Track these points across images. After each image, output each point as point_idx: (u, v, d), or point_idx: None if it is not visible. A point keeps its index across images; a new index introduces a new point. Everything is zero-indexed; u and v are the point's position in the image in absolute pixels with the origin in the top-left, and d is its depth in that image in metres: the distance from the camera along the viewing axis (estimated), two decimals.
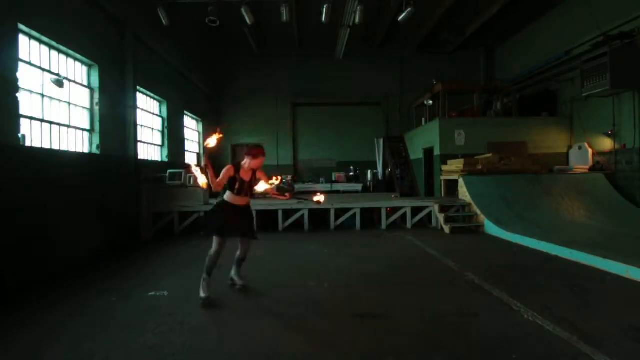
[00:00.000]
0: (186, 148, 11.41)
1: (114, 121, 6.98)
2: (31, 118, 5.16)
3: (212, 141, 3.60)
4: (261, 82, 14.14)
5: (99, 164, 6.46)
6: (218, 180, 3.65)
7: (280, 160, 14.09)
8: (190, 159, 11.98)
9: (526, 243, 6.18)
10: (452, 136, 10.08)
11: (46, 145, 5.47)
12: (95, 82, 6.58)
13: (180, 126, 10.95)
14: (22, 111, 4.83)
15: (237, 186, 3.71)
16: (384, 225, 8.22)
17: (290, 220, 8.16)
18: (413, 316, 3.31)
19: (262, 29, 12.18)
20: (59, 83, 5.60)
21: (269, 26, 11.83)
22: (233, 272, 4.18)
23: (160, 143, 9.71)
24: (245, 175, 3.75)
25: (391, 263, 5.30)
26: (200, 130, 13.04)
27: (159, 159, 9.57)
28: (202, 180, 3.56)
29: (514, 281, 4.27)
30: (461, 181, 8.52)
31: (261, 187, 3.70)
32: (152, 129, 9.32)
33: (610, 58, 7.69)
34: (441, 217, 7.91)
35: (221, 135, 3.69)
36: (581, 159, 9.59)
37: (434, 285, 4.26)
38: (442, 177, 9.87)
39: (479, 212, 7.81)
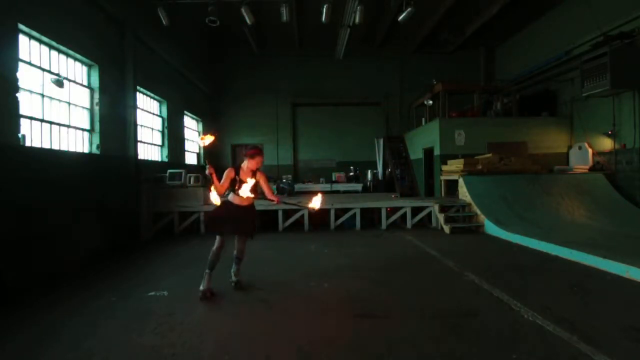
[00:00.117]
0: (186, 148, 11.41)
1: (114, 121, 6.98)
2: (31, 118, 5.17)
3: (207, 140, 3.84)
4: (261, 82, 14.15)
5: (99, 164, 6.46)
6: (221, 183, 3.84)
7: (280, 160, 14.10)
8: (190, 159, 11.97)
9: (526, 243, 6.18)
10: (452, 136, 10.08)
11: (46, 145, 5.47)
12: (95, 82, 6.58)
13: (180, 126, 10.96)
14: (22, 111, 4.83)
15: (237, 187, 3.85)
16: (384, 225, 8.22)
17: (291, 220, 8.16)
18: (413, 316, 3.31)
19: (262, 29, 12.19)
20: (59, 83, 5.60)
21: (269, 26, 11.84)
22: (232, 269, 4.27)
23: (160, 143, 9.71)
24: (245, 176, 3.89)
25: (391, 263, 5.30)
26: (200, 130, 13.04)
27: (159, 159, 9.57)
28: (215, 199, 3.87)
29: (514, 281, 4.27)
30: (461, 181, 8.52)
31: (244, 191, 3.75)
32: (152, 129, 9.32)
33: (610, 58, 7.70)
34: (441, 217, 7.91)
35: (214, 138, 3.91)
36: (581, 159, 9.59)
37: (434, 285, 4.26)
38: (442, 177, 9.87)
39: (479, 212, 7.81)
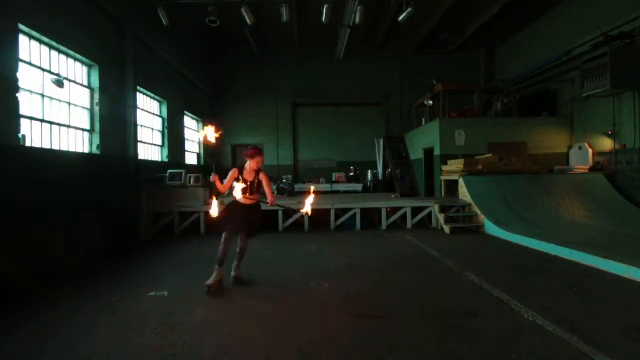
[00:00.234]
0: (186, 148, 11.42)
1: (114, 121, 6.98)
2: (31, 118, 5.16)
3: (210, 135, 3.86)
4: (261, 82, 14.15)
5: (99, 164, 6.46)
6: (224, 183, 4.11)
7: (280, 160, 14.10)
8: (190, 159, 11.97)
9: (526, 243, 6.18)
10: (452, 136, 10.08)
11: (46, 145, 5.47)
12: (95, 82, 6.58)
13: (180, 126, 10.96)
14: (22, 111, 4.83)
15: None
16: (384, 225, 8.21)
17: (291, 220, 8.16)
18: (413, 316, 3.31)
19: (262, 29, 12.19)
20: (59, 83, 5.60)
21: (269, 26, 11.84)
22: (232, 264, 4.35)
23: (160, 143, 9.71)
24: (249, 176, 4.12)
25: (391, 263, 5.30)
26: (201, 130, 13.04)
27: (159, 159, 9.57)
28: (213, 212, 3.88)
29: (514, 281, 4.27)
30: (461, 181, 8.52)
31: (237, 191, 3.90)
32: (152, 129, 9.33)
33: (610, 58, 7.69)
34: (441, 217, 7.91)
35: (218, 134, 3.98)
36: (581, 159, 9.59)
37: (434, 285, 4.26)
38: (442, 177, 9.87)
39: (479, 212, 7.81)
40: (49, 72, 5.56)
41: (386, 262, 5.37)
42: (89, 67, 6.56)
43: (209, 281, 3.98)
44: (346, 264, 5.24)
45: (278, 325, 3.15)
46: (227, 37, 12.56)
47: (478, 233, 7.55)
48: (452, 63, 13.96)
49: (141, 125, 8.42)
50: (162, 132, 9.83)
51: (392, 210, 8.50)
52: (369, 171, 13.42)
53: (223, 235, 4.08)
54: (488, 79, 13.88)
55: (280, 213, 8.05)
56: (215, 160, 13.63)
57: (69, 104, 6.04)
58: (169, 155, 9.86)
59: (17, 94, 4.68)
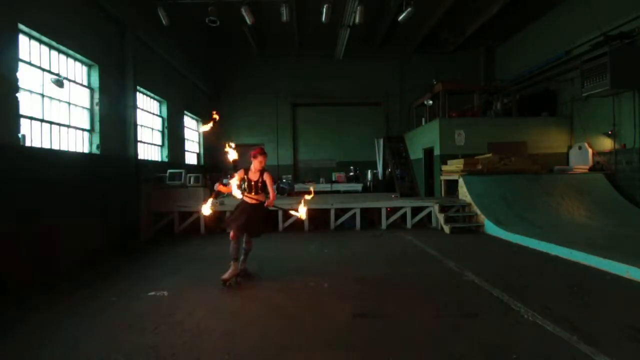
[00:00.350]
0: (186, 148, 11.42)
1: (114, 121, 6.98)
2: (31, 118, 5.17)
3: (232, 153, 4.04)
4: (261, 82, 14.14)
5: (99, 164, 6.46)
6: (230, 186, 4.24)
7: (280, 160, 14.10)
8: (190, 159, 11.98)
9: (526, 243, 6.18)
10: (452, 136, 10.08)
11: (46, 145, 5.47)
12: (95, 82, 6.58)
13: (180, 126, 10.96)
14: (22, 111, 4.83)
15: (245, 186, 4.31)
16: (384, 225, 8.21)
17: (291, 220, 8.15)
18: (413, 316, 3.31)
19: (262, 29, 12.18)
20: (59, 83, 5.60)
21: (269, 26, 11.83)
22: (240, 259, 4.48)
23: (160, 143, 9.71)
24: (253, 176, 4.34)
25: (391, 263, 5.30)
26: (200, 130, 13.04)
27: (159, 159, 9.57)
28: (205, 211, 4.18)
29: (514, 281, 4.27)
30: (461, 181, 8.52)
31: (234, 190, 4.05)
32: (152, 129, 9.33)
33: (610, 58, 7.69)
34: (441, 217, 7.91)
35: (216, 117, 4.27)
36: (581, 159, 9.59)
37: (433, 285, 4.26)
38: (442, 177, 9.87)
39: (479, 212, 7.81)
40: (49, 72, 5.56)
41: (386, 262, 5.37)
42: (89, 67, 6.56)
43: (225, 275, 4.19)
44: (346, 264, 5.24)
45: (278, 325, 3.14)
46: (227, 37, 12.56)
47: (478, 233, 7.55)
48: (452, 63, 13.95)
49: (141, 125, 8.43)
50: (162, 132, 9.83)
51: (392, 210, 8.50)
52: (369, 171, 13.42)
53: (231, 233, 4.27)
54: (488, 79, 13.88)
55: (280, 213, 8.04)
56: (215, 160, 13.66)
57: (69, 104, 6.04)
58: (169, 155, 9.86)
59: (17, 94, 4.68)
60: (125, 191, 7.02)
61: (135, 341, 2.86)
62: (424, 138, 11.43)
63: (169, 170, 8.23)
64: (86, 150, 6.43)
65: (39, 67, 5.36)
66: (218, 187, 4.25)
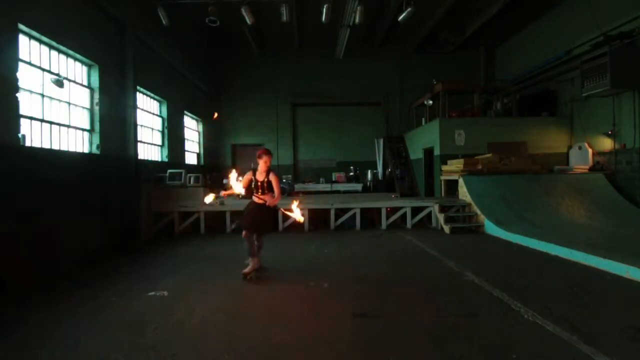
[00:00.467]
0: (186, 148, 11.42)
1: (114, 121, 6.98)
2: (31, 118, 5.17)
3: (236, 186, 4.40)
4: (261, 82, 14.14)
5: (99, 164, 6.46)
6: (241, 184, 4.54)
7: (280, 160, 14.08)
8: (190, 159, 11.98)
9: (526, 243, 6.18)
10: (452, 136, 10.08)
11: (46, 145, 5.47)
12: (95, 82, 6.59)
13: (180, 126, 10.96)
14: (22, 111, 4.83)
15: (253, 186, 4.52)
16: (384, 225, 8.21)
17: (291, 220, 8.14)
18: (413, 316, 3.31)
19: (262, 29, 12.18)
20: (59, 83, 5.60)
21: (269, 26, 11.83)
22: None
23: (160, 143, 9.71)
24: (260, 176, 4.50)
25: (391, 263, 5.31)
26: (200, 130, 13.04)
27: (159, 159, 9.57)
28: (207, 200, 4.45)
29: (514, 281, 4.27)
30: (461, 181, 8.52)
31: (238, 188, 4.35)
32: (152, 129, 9.33)
33: (610, 58, 7.69)
34: (441, 217, 7.91)
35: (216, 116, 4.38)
36: (581, 159, 9.59)
37: (433, 285, 4.26)
38: (442, 177, 9.87)
39: (479, 212, 7.81)
40: (49, 72, 5.56)
41: (386, 262, 5.37)
42: (89, 67, 6.56)
43: (246, 270, 4.44)
44: (346, 264, 5.24)
45: (278, 326, 3.14)
46: (227, 37, 12.56)
47: (478, 233, 7.55)
48: (452, 63, 13.95)
49: (141, 125, 8.43)
50: (162, 132, 9.83)
51: (392, 210, 8.50)
52: (369, 171, 13.42)
53: (243, 232, 4.46)
54: (488, 79, 13.88)
55: (279, 212, 8.03)
56: (215, 160, 13.68)
57: (69, 104, 6.04)
58: (169, 155, 9.86)
59: (17, 94, 4.68)
60: (125, 191, 7.02)
61: (135, 341, 2.86)
62: (424, 138, 11.43)
63: (169, 170, 8.24)
64: (86, 150, 6.43)
65: (39, 67, 5.36)
66: (224, 194, 4.65)
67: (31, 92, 5.19)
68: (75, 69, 6.24)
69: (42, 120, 5.39)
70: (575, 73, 9.50)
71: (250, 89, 14.12)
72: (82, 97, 6.41)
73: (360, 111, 14.48)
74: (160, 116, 9.76)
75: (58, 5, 5.57)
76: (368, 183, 13.26)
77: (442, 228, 7.88)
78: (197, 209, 7.92)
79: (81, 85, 6.36)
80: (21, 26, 4.87)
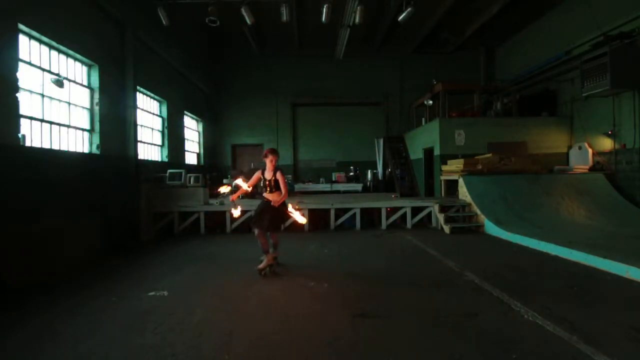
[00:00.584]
0: (186, 148, 11.41)
1: (114, 121, 6.98)
2: (31, 118, 5.17)
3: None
4: (261, 82, 14.15)
5: (99, 164, 6.46)
6: (248, 183, 4.76)
7: (280, 160, 13.76)
8: (190, 159, 11.97)
9: (526, 243, 6.18)
10: (452, 136, 10.08)
11: (46, 145, 5.47)
12: (95, 82, 6.59)
13: (180, 126, 10.96)
14: (22, 111, 4.84)
15: (262, 184, 4.73)
16: (384, 225, 8.21)
17: (291, 220, 8.13)
18: (413, 316, 3.31)
19: (262, 29, 12.19)
20: (59, 83, 5.60)
21: (269, 26, 11.84)
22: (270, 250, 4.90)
23: (160, 143, 9.71)
24: (268, 175, 4.68)
25: (391, 263, 5.31)
26: (200, 130, 13.05)
27: (159, 159, 9.57)
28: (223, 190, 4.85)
29: (514, 281, 4.27)
30: (461, 181, 8.52)
31: (242, 184, 4.62)
32: (152, 129, 9.33)
33: (610, 58, 7.69)
34: (441, 217, 7.91)
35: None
36: (581, 159, 9.59)
37: (433, 285, 4.26)
38: (442, 177, 9.86)
39: (479, 212, 7.81)
40: (49, 72, 5.56)
41: (386, 262, 5.37)
42: (89, 67, 6.56)
43: (260, 265, 4.62)
44: (346, 264, 5.24)
45: (278, 326, 3.14)
46: (227, 37, 12.56)
47: (478, 233, 7.55)
48: (452, 63, 13.96)
49: (141, 125, 8.43)
50: (162, 132, 9.83)
51: (392, 210, 8.50)
52: (369, 171, 13.42)
53: (256, 231, 4.62)
54: (488, 79, 13.88)
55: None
56: (215, 160, 13.69)
57: (69, 104, 6.04)
58: (169, 155, 9.86)
59: (17, 94, 4.68)
60: (125, 191, 7.02)
61: (135, 341, 2.86)
62: (424, 138, 11.43)
63: (169, 170, 8.23)
64: (86, 150, 6.43)
65: (39, 67, 5.36)
66: (233, 198, 4.84)
67: (31, 92, 5.19)
68: (75, 69, 6.24)
69: (42, 120, 5.39)
70: (575, 73, 9.50)
71: (250, 89, 14.13)
72: (82, 97, 6.41)
73: (360, 111, 14.48)
74: (160, 116, 9.76)
75: (58, 5, 5.57)
76: (368, 183, 13.27)
77: (442, 228, 7.88)
78: (197, 209, 7.92)
79: (81, 85, 6.36)
80: (21, 26, 4.87)
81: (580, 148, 9.69)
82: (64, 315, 3.40)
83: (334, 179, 13.32)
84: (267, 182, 4.63)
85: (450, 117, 10.71)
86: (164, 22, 8.57)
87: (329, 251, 6.10)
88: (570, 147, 10.21)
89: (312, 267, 5.09)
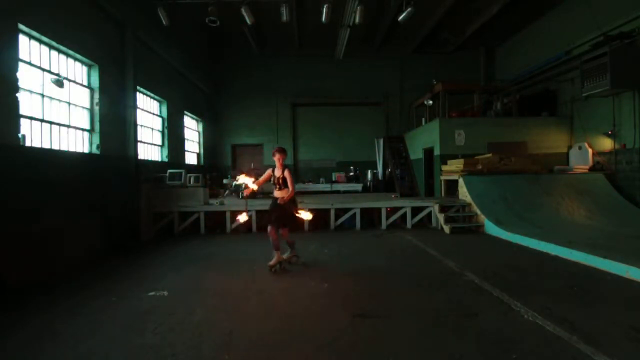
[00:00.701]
0: (186, 148, 11.41)
1: (114, 121, 6.98)
2: (31, 118, 5.17)
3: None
4: (261, 82, 14.15)
5: (99, 164, 6.46)
6: (259, 180, 4.86)
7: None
8: (190, 159, 11.98)
9: (526, 243, 6.18)
10: (452, 136, 10.08)
11: (46, 145, 5.47)
12: (95, 82, 6.59)
13: (180, 126, 10.96)
14: (22, 111, 4.84)
15: (272, 182, 4.88)
16: (384, 225, 8.21)
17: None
18: (413, 316, 3.31)
19: (262, 29, 12.19)
20: (59, 83, 5.60)
21: (269, 26, 11.84)
22: (288, 252, 5.14)
23: (160, 143, 9.71)
24: (277, 173, 4.85)
25: (391, 263, 5.31)
26: (200, 130, 13.05)
27: (159, 159, 9.57)
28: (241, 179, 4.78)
29: (514, 281, 4.27)
30: (461, 181, 8.52)
31: (248, 181, 4.61)
32: (152, 129, 9.33)
33: (610, 58, 7.69)
34: (441, 217, 7.91)
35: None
36: (581, 159, 9.59)
37: (433, 285, 4.26)
38: (442, 177, 9.86)
39: (479, 212, 7.81)
40: (49, 72, 5.56)
41: (386, 262, 5.37)
42: (89, 67, 6.56)
43: (271, 262, 4.76)
44: (346, 264, 5.24)
45: (278, 326, 3.14)
46: (227, 37, 12.56)
47: (478, 233, 7.55)
48: (452, 63, 13.96)
49: (141, 125, 8.43)
50: (162, 132, 9.83)
51: (392, 210, 8.50)
52: (369, 171, 13.43)
53: (269, 229, 4.77)
54: (488, 79, 13.88)
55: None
56: (215, 159, 13.69)
57: (69, 104, 6.04)
58: (169, 155, 9.86)
59: (17, 94, 4.68)
60: (125, 191, 7.02)
61: (135, 341, 2.86)
62: (424, 138, 11.43)
63: (169, 170, 8.23)
64: (86, 150, 6.43)
65: (39, 67, 5.36)
66: (246, 194, 4.91)
67: (31, 92, 5.19)
68: (75, 69, 6.24)
69: (42, 120, 5.39)
70: (575, 73, 9.50)
71: (250, 89, 14.13)
72: (82, 97, 6.41)
73: (360, 111, 14.49)
74: (160, 116, 9.76)
75: (58, 5, 5.57)
76: (368, 183, 13.27)
77: (442, 228, 7.88)
78: (197, 209, 7.92)
79: (81, 85, 6.36)
80: (21, 26, 4.87)
81: (580, 148, 9.69)
82: (64, 315, 3.41)
83: (334, 179, 13.33)
84: (276, 180, 4.80)
85: (450, 117, 10.71)
86: (164, 22, 8.57)
87: (329, 251, 6.10)
88: (570, 147, 10.21)
89: (312, 267, 5.09)
